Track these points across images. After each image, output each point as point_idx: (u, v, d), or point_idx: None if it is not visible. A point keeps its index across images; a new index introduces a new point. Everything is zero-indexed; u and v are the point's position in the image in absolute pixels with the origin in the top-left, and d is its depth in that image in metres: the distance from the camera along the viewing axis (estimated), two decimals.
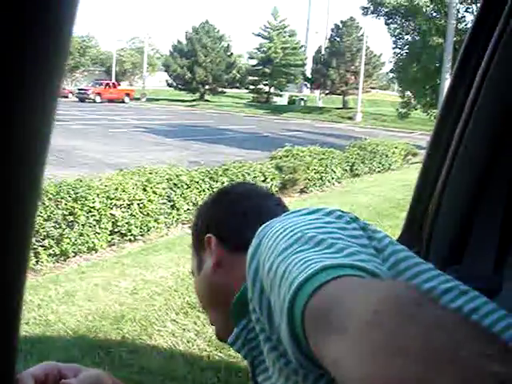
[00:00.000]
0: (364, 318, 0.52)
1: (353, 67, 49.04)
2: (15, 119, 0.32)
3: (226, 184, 8.90)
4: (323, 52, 52.46)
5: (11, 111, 0.31)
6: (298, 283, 0.64)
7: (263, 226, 0.85)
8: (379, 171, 15.59)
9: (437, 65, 25.48)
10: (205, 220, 1.22)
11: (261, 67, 57.08)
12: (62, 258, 6.75)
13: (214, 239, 1.14)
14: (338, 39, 50.40)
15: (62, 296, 5.64)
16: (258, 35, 58.63)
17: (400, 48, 29.90)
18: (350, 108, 48.33)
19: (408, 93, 30.62)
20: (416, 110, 30.87)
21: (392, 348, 0.47)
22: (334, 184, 13.03)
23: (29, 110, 0.33)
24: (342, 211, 0.87)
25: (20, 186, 0.35)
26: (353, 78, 48.90)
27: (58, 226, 6.54)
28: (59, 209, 6.53)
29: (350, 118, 43.14)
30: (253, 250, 0.84)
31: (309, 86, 58.08)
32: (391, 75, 36.38)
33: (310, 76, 54.26)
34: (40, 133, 0.35)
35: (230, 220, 1.16)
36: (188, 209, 8.36)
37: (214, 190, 6.24)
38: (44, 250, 6.46)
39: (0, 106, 0.31)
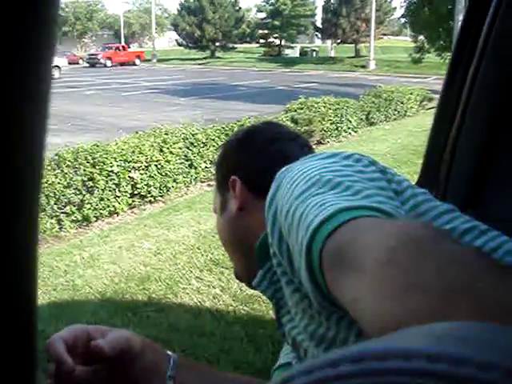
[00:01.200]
0: (380, 257, 0.52)
1: (363, 14, 48.26)
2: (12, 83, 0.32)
3: None
4: (333, 0, 51.59)
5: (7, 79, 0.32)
6: (314, 226, 0.65)
7: (281, 170, 0.85)
8: (395, 118, 15.43)
9: (449, 7, 24.99)
10: (230, 161, 1.21)
11: (270, 20, 56.38)
12: (84, 224, 6.82)
13: (238, 182, 1.14)
14: None
15: (88, 260, 5.71)
16: None
17: None
18: (363, 56, 47.70)
19: (421, 37, 30.08)
20: (430, 54, 30.38)
21: (408, 284, 0.47)
22: (350, 134, 12.94)
23: (24, 74, 0.33)
24: (361, 154, 0.87)
25: (24, 151, 0.36)
26: (364, 25, 48.16)
27: (78, 192, 6.60)
28: (78, 175, 6.57)
29: (362, 67, 42.60)
30: (271, 195, 0.84)
31: (320, 36, 57.32)
32: (403, 20, 35.65)
33: (320, 26, 53.53)
34: (38, 96, 0.35)
35: (256, 164, 1.16)
36: (206, 167, 8.38)
37: None
38: (66, 216, 6.53)
39: None
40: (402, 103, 15.72)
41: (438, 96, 1.81)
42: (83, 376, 0.90)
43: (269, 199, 0.85)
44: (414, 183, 1.72)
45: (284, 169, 0.85)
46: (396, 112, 15.51)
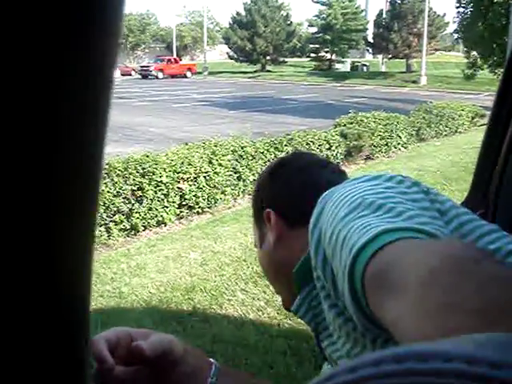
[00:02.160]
0: (421, 277, 0.52)
1: (415, 29, 47.84)
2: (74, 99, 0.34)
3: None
4: (384, 15, 51.32)
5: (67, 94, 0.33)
6: (357, 248, 0.65)
7: (324, 194, 0.86)
8: (446, 135, 15.24)
9: (503, 22, 24.62)
10: (263, 194, 1.23)
11: (321, 34, 56.36)
12: (132, 233, 6.90)
13: (273, 215, 1.15)
14: (399, 1, 49.17)
15: (134, 269, 5.78)
16: (317, 2, 57.77)
17: (464, 6, 28.92)
18: (414, 71, 47.25)
19: (474, 53, 29.66)
20: (482, 70, 29.92)
21: (448, 304, 0.47)
22: (399, 149, 12.84)
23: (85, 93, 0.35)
24: (404, 176, 0.87)
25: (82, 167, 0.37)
26: (416, 40, 47.72)
27: (127, 202, 6.69)
28: (128, 184, 6.66)
29: (414, 82, 42.21)
30: (314, 219, 0.85)
31: (371, 51, 57.08)
32: (455, 35, 35.24)
33: (371, 41, 53.32)
34: (98, 108, 0.37)
35: (288, 194, 1.17)
36: (254, 179, 8.40)
37: None
38: (115, 225, 6.62)
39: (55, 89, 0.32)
40: (453, 119, 15.53)
41: (489, 113, 1.79)
42: (122, 376, 0.91)
43: (312, 223, 0.85)
44: (463, 200, 1.70)
45: (326, 193, 0.86)
46: (447, 128, 15.32)
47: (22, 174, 0.32)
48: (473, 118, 16.79)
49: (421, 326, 0.48)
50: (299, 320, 3.73)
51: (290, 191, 1.17)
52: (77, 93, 0.34)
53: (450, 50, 72.40)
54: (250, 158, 8.44)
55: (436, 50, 53.53)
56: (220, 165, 7.88)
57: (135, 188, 6.76)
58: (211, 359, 1.03)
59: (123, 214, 6.68)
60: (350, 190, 0.80)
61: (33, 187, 0.33)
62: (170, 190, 7.13)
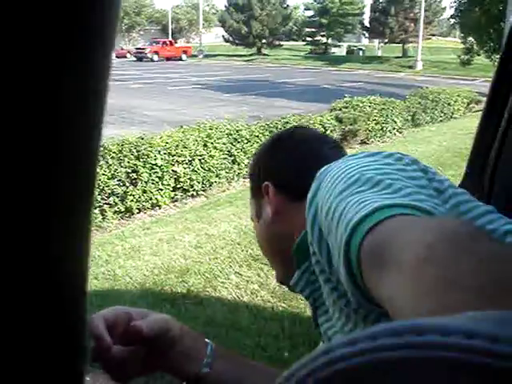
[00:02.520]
0: (417, 254, 0.52)
1: (412, 14, 47.72)
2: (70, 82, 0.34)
3: None
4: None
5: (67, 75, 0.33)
6: (353, 223, 0.65)
7: (321, 170, 0.85)
8: (441, 120, 15.25)
9: (500, 8, 24.56)
10: (262, 167, 1.22)
11: (317, 18, 56.13)
12: (126, 215, 6.91)
13: (271, 188, 1.14)
14: None
15: (129, 251, 5.79)
16: None
17: None
18: (410, 56, 47.15)
19: (470, 38, 29.65)
20: (479, 56, 29.91)
21: (445, 282, 0.47)
22: (395, 134, 12.85)
23: (84, 75, 0.35)
24: (403, 154, 0.86)
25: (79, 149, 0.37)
26: (412, 25, 47.58)
27: (121, 184, 6.68)
28: (122, 167, 6.65)
29: (410, 67, 42.12)
30: (311, 195, 0.85)
31: (367, 35, 56.89)
32: (452, 21, 35.16)
33: (368, 25, 53.13)
34: (96, 93, 0.37)
35: (287, 168, 1.16)
36: (249, 163, 8.38)
37: None
38: (109, 207, 6.62)
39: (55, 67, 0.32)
40: (448, 105, 15.54)
41: (485, 98, 1.79)
42: (119, 355, 0.92)
43: (309, 198, 0.85)
44: (458, 185, 1.70)
45: (324, 168, 0.85)
46: (442, 114, 15.33)
47: (23, 156, 0.32)
48: (468, 104, 16.81)
49: (417, 303, 0.48)
50: (292, 303, 3.75)
51: (289, 165, 1.16)
52: (78, 78, 0.34)
53: (446, 36, 72.33)
54: (245, 141, 8.43)
55: (432, 35, 53.45)
56: (215, 148, 7.87)
57: (130, 170, 6.75)
58: (207, 340, 1.04)
59: (118, 197, 6.67)
60: (348, 166, 0.80)
61: (33, 171, 0.33)
62: (164, 173, 7.13)
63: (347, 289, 0.70)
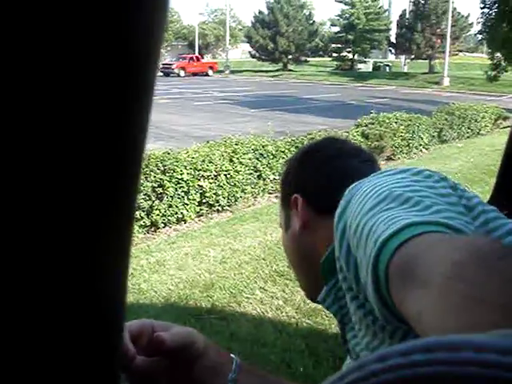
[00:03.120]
0: (446, 272, 0.52)
1: (439, 30, 47.59)
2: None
3: None
4: (407, 15, 51.12)
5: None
6: (382, 240, 0.65)
7: (351, 186, 0.85)
8: (468, 136, 15.14)
9: None
10: (292, 179, 1.22)
11: (344, 34, 56.19)
12: (152, 229, 6.94)
13: (300, 200, 1.14)
14: (423, 1, 48.88)
15: (154, 265, 5.81)
16: (340, 1, 57.50)
17: (489, 7, 28.70)
18: (437, 72, 46.96)
19: (498, 54, 29.45)
20: (506, 72, 29.70)
21: (473, 300, 0.46)
22: (421, 150, 12.78)
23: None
24: (431, 171, 0.86)
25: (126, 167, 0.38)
26: (439, 41, 47.46)
27: (147, 198, 6.72)
28: (148, 181, 6.69)
29: (436, 83, 41.97)
30: (340, 211, 0.85)
31: (393, 51, 56.81)
32: (479, 36, 35.02)
33: (394, 41, 53.07)
34: (143, 110, 0.38)
35: (317, 182, 1.16)
36: (274, 178, 8.40)
37: None
38: (135, 221, 6.65)
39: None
40: (475, 121, 15.42)
41: None
42: (142, 366, 0.92)
43: (338, 214, 0.85)
44: (486, 202, 1.68)
45: (354, 185, 0.85)
46: (469, 130, 15.21)
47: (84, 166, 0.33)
48: (496, 120, 16.67)
49: (444, 320, 0.48)
50: (317, 320, 3.73)
51: (318, 179, 1.16)
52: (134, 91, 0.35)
53: (473, 52, 71.95)
54: (271, 156, 8.44)
55: (459, 51, 53.21)
56: (241, 163, 7.89)
57: (156, 185, 6.79)
58: (232, 355, 1.03)
59: (143, 211, 6.71)
60: (377, 183, 0.80)
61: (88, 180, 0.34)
62: (190, 188, 7.15)
63: (374, 305, 0.69)
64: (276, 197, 8.25)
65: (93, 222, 0.35)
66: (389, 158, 11.54)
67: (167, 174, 6.88)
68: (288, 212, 1.20)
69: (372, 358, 0.23)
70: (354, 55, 57.80)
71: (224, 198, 7.72)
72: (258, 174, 8.29)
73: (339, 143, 1.28)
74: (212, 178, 7.48)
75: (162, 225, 7.02)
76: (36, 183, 0.31)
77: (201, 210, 7.50)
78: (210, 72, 51.53)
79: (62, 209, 0.33)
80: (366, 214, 0.75)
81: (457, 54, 52.77)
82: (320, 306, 1.12)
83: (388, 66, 55.58)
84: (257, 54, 56.77)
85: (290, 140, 9.09)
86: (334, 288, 1.01)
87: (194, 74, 49.22)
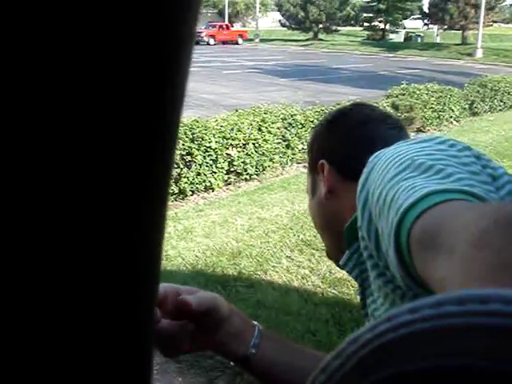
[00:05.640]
0: (470, 238, 0.51)
1: (473, 0, 46.69)
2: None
3: None
4: None
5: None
6: (404, 208, 0.65)
7: (374, 155, 0.85)
8: (500, 109, 14.91)
9: None
10: (319, 144, 1.22)
11: (375, 3, 55.34)
12: (180, 197, 6.98)
13: (326, 166, 1.15)
14: None
15: (181, 232, 5.85)
16: None
17: None
18: (470, 44, 46.14)
19: None
20: None
21: (499, 265, 0.46)
22: (451, 123, 12.64)
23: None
24: (456, 141, 0.86)
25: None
26: (473, 11, 46.50)
27: (176, 166, 6.74)
28: (177, 149, 6.70)
29: (469, 55, 41.26)
30: (363, 179, 0.85)
31: (426, 21, 55.86)
32: None
33: (427, 11, 52.17)
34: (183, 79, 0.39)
35: (343, 148, 1.16)
36: (303, 148, 8.38)
37: None
38: None
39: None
40: (508, 94, 15.16)
41: None
42: (167, 329, 0.92)
43: (361, 183, 0.85)
44: None
45: (377, 153, 0.85)
46: (502, 103, 14.97)
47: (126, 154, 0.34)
48: None
49: (468, 286, 0.47)
50: (343, 290, 3.74)
51: (345, 145, 1.16)
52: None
53: (508, 22, 70.50)
54: (300, 126, 8.41)
55: (494, 21, 52.11)
56: (269, 132, 7.88)
57: (184, 153, 6.81)
58: (254, 322, 1.04)
59: (172, 178, 6.74)
60: (401, 151, 0.80)
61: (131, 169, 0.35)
62: (218, 156, 7.17)
63: (397, 273, 0.70)
64: (304, 167, 8.24)
65: (129, 194, 0.36)
66: (419, 130, 11.44)
67: (196, 142, 6.89)
68: (315, 177, 1.20)
69: (402, 310, 0.24)
70: (385, 25, 56.99)
71: (252, 166, 7.73)
72: (286, 143, 8.27)
73: (367, 109, 1.27)
74: (240, 147, 7.48)
75: (190, 193, 7.05)
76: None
77: (229, 178, 7.52)
78: (240, 40, 51.25)
79: (105, 176, 0.34)
80: (388, 183, 0.75)
81: (491, 25, 51.72)
82: (345, 276, 1.13)
83: (420, 36, 54.72)
84: (287, 23, 56.26)
85: (318, 110, 9.05)
86: (356, 253, 1.02)
87: (224, 43, 49.00)
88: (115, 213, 0.35)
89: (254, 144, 7.65)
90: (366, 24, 58.54)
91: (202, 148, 6.95)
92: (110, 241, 0.36)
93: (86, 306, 0.36)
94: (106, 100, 0.31)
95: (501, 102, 14.92)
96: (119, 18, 0.30)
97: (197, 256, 5.27)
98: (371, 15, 57.06)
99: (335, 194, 1.14)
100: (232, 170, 7.50)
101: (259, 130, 7.75)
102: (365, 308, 1.06)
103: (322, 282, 4.76)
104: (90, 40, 0.29)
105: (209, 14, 70.11)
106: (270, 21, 75.77)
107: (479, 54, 40.74)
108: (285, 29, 57.88)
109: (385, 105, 10.53)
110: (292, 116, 8.38)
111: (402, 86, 12.00)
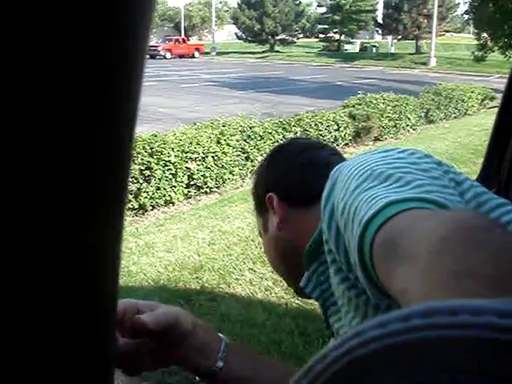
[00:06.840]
0: (431, 246, 0.51)
1: (425, 10, 47.43)
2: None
3: (298, 134, 8.87)
4: None
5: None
6: (365, 220, 0.65)
7: (335, 168, 0.86)
8: (455, 117, 15.18)
9: None
10: (263, 181, 1.22)
11: (330, 15, 55.92)
12: (140, 212, 6.92)
13: (275, 198, 1.15)
14: None
15: (143, 248, 5.80)
16: None
17: None
18: (424, 53, 46.89)
19: (484, 34, 29.40)
20: (493, 52, 29.67)
21: (459, 273, 0.46)
22: (408, 131, 12.80)
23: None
24: (416, 150, 0.87)
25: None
26: (425, 21, 47.31)
27: (135, 181, 6.69)
28: (136, 164, 6.66)
29: (423, 64, 41.90)
30: (327, 192, 0.85)
31: (380, 32, 56.63)
32: (466, 17, 34.88)
33: (381, 22, 52.90)
34: (132, 90, 0.38)
35: (288, 176, 1.17)
36: (262, 159, 8.38)
37: None
38: None
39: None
40: (462, 101, 15.45)
41: (500, 95, 1.78)
42: (124, 348, 0.89)
43: (324, 196, 0.85)
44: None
45: (337, 167, 0.86)
46: (456, 110, 15.25)
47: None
48: (482, 101, 16.70)
49: (431, 294, 0.47)
50: (307, 300, 3.72)
51: (289, 173, 1.17)
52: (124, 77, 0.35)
53: (460, 32, 71.86)
54: (259, 138, 8.42)
55: (446, 31, 53.13)
56: (228, 145, 7.88)
57: (143, 168, 6.76)
58: (220, 334, 1.03)
59: (131, 194, 6.69)
60: (361, 162, 0.80)
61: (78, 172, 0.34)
62: (178, 170, 7.14)
63: (364, 285, 0.70)
64: None
65: (85, 208, 0.36)
66: (376, 139, 11.56)
67: (155, 157, 6.85)
68: (265, 216, 1.21)
69: (371, 324, 0.24)
70: (340, 36, 57.57)
71: (212, 179, 7.71)
72: (245, 155, 8.27)
73: (304, 140, 1.29)
74: (200, 160, 7.46)
75: (150, 207, 7.00)
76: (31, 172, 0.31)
77: (189, 192, 7.49)
78: (197, 54, 51.21)
79: (59, 194, 0.33)
80: (351, 195, 0.75)
81: (443, 35, 52.67)
82: None
83: (375, 46, 55.45)
84: (243, 36, 56.48)
85: (277, 121, 9.09)
86: (315, 273, 1.03)
87: (181, 56, 48.89)
88: (53, 215, 0.34)
89: (213, 157, 7.64)
90: (321, 35, 59.08)
91: (161, 162, 6.91)
92: (53, 245, 0.35)
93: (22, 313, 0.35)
94: (41, 104, 0.31)
95: (455, 109, 15.18)
96: (62, 31, 0.30)
97: (159, 271, 5.23)
98: (326, 27, 57.63)
99: (287, 223, 1.14)
100: (192, 183, 7.48)
101: (218, 142, 7.74)
102: (329, 328, 1.06)
103: (286, 293, 4.76)
104: (29, 48, 0.29)
105: (165, 28, 70.03)
106: (226, 34, 76.03)
107: (433, 62, 41.44)
108: (241, 41, 58.10)
109: (342, 115, 10.62)
110: (251, 128, 8.40)
111: (358, 95, 12.13)
